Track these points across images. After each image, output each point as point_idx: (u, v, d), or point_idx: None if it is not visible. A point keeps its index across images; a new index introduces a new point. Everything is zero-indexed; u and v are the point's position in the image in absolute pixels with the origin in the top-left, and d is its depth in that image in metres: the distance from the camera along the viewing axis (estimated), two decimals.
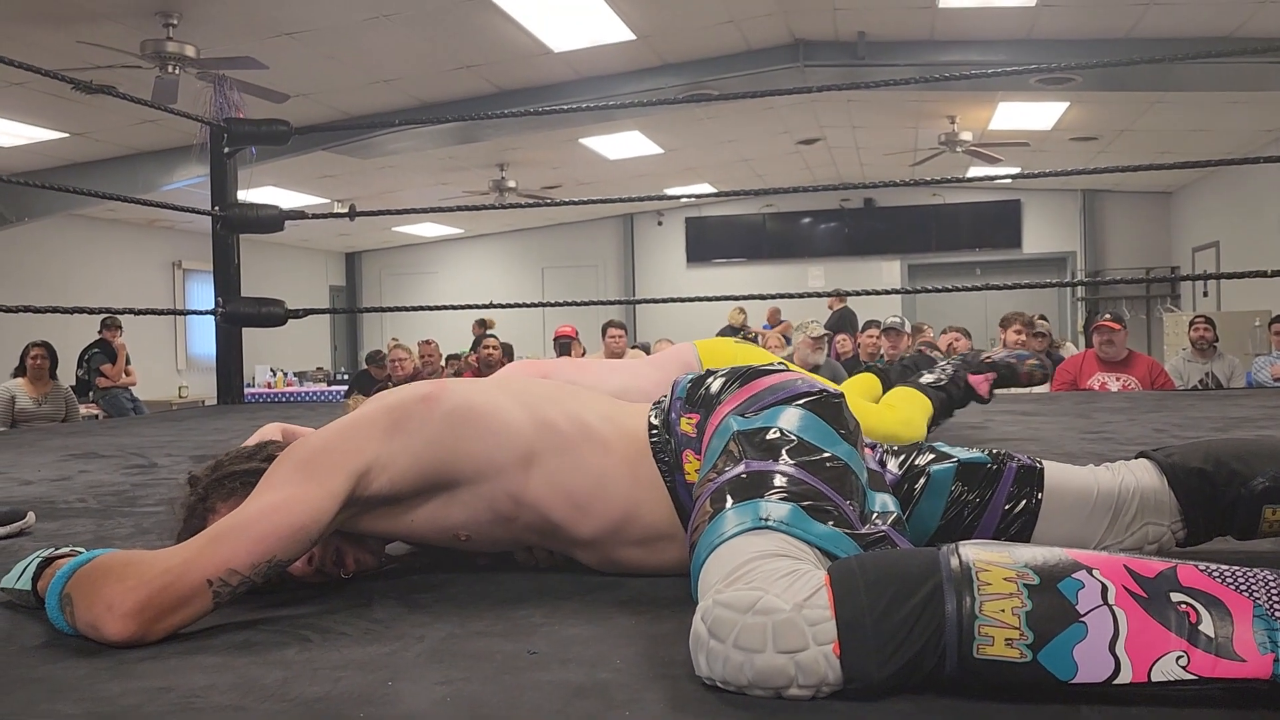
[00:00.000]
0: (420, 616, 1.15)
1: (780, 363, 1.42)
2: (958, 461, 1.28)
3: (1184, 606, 0.81)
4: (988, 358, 2.76)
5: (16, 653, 1.05)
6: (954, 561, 0.85)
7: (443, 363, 8.26)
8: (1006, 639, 0.80)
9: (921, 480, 1.28)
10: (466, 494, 1.23)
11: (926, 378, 2.66)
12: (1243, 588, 0.82)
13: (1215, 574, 0.83)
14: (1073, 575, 0.83)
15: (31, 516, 1.75)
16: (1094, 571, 0.83)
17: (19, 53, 3.66)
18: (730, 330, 10.73)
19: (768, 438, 1.11)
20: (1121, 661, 0.79)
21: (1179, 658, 0.78)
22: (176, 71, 6.23)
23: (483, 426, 1.23)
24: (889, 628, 0.82)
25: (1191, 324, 6.08)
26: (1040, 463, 1.29)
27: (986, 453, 1.30)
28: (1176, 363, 6.03)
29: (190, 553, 1.06)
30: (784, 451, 1.09)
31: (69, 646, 1.05)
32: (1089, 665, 0.79)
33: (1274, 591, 0.81)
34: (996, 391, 2.80)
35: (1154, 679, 0.78)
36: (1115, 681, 0.79)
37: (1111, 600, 0.81)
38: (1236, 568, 0.84)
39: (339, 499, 1.13)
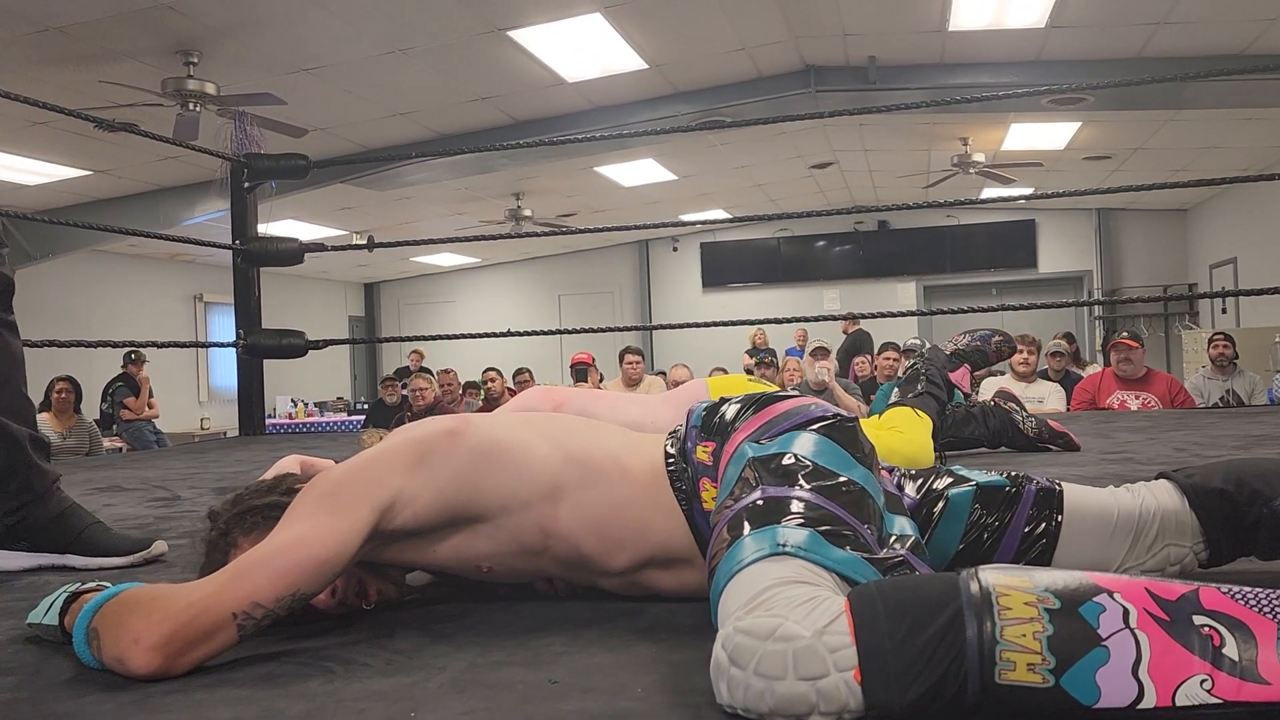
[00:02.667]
0: (442, 646, 1.16)
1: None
2: (976, 485, 1.28)
3: (1207, 629, 0.80)
4: (954, 349, 2.80)
5: (44, 688, 1.06)
6: (974, 586, 0.85)
7: (460, 391, 8.29)
8: (1028, 664, 0.80)
9: (940, 504, 1.27)
10: (491, 527, 1.24)
11: (910, 391, 2.67)
12: (1266, 610, 0.81)
13: (1238, 596, 0.83)
14: (1094, 599, 0.83)
15: (160, 545, 1.76)
16: (1115, 595, 0.83)
17: (43, 93, 3.73)
18: (754, 350, 10.76)
19: (783, 463, 1.11)
20: (1145, 686, 0.78)
21: (1203, 681, 0.78)
22: (197, 108, 6.32)
23: (507, 462, 1.24)
24: (910, 654, 0.82)
25: (1211, 341, 6.04)
26: (1059, 485, 1.28)
27: (1005, 475, 1.30)
28: (1196, 380, 5.99)
29: (215, 586, 1.07)
30: (800, 477, 1.09)
31: (96, 681, 1.06)
32: (1112, 690, 0.79)
33: None
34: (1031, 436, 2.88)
35: (1178, 703, 0.78)
36: (1139, 706, 0.78)
37: (1134, 624, 0.81)
38: (1260, 589, 0.84)
39: (363, 533, 1.14)
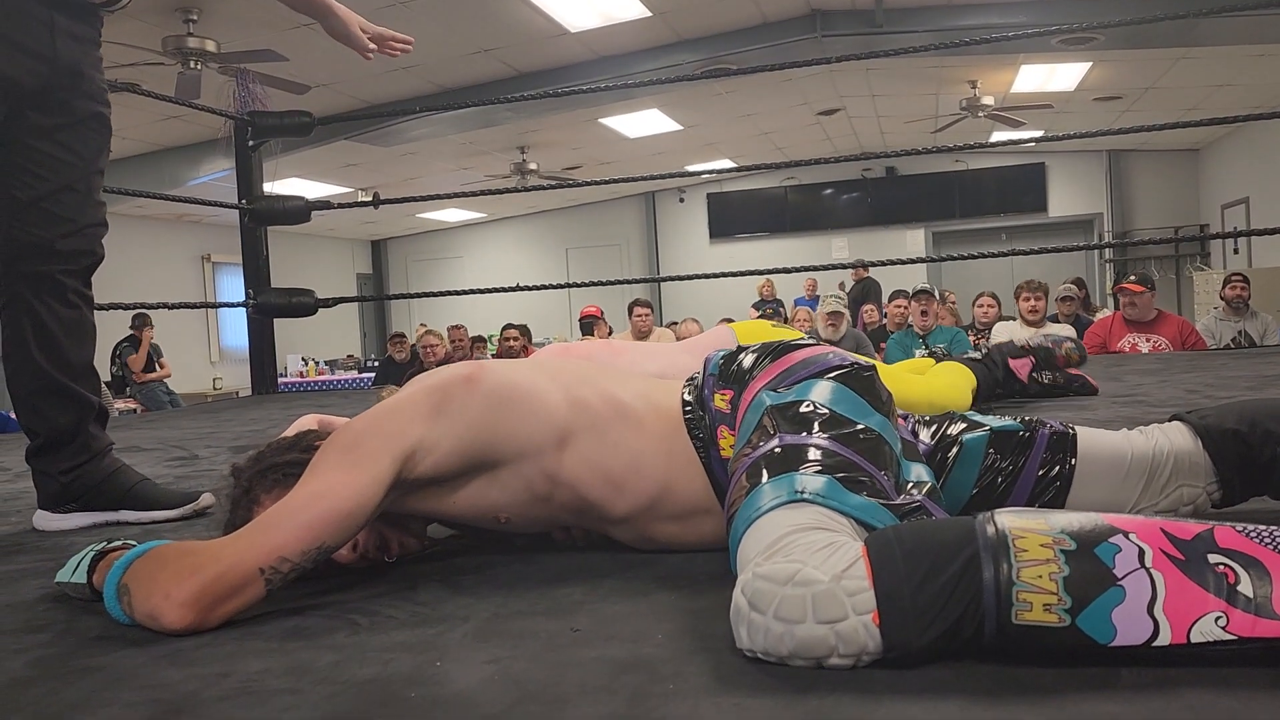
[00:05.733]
0: (464, 598, 1.17)
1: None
2: (990, 429, 1.29)
3: (1222, 568, 0.81)
4: (1025, 344, 2.79)
5: (76, 644, 1.08)
6: (990, 529, 0.86)
7: (470, 346, 8.32)
8: (1045, 604, 0.81)
9: (954, 449, 1.28)
10: (506, 474, 1.25)
11: (964, 356, 2.73)
12: None
13: (1253, 534, 0.83)
14: (1109, 540, 0.83)
15: (208, 497, 1.83)
16: (1130, 535, 0.84)
17: None
18: (760, 302, 10.75)
19: (800, 411, 1.12)
20: (1160, 624, 0.79)
21: (1218, 618, 0.79)
22: (198, 67, 6.28)
23: (523, 406, 1.25)
24: (927, 596, 0.84)
25: (1227, 282, 5.99)
26: (1073, 428, 1.29)
27: (1019, 420, 1.31)
28: (1208, 321, 5.96)
29: (242, 542, 1.09)
30: (817, 424, 1.09)
31: (126, 637, 1.08)
32: (1128, 628, 0.80)
33: None
34: (1046, 384, 2.83)
35: (1193, 640, 0.79)
36: (1155, 644, 0.79)
37: (1149, 563, 0.82)
38: (1275, 527, 0.84)
39: (385, 484, 1.15)
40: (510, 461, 1.24)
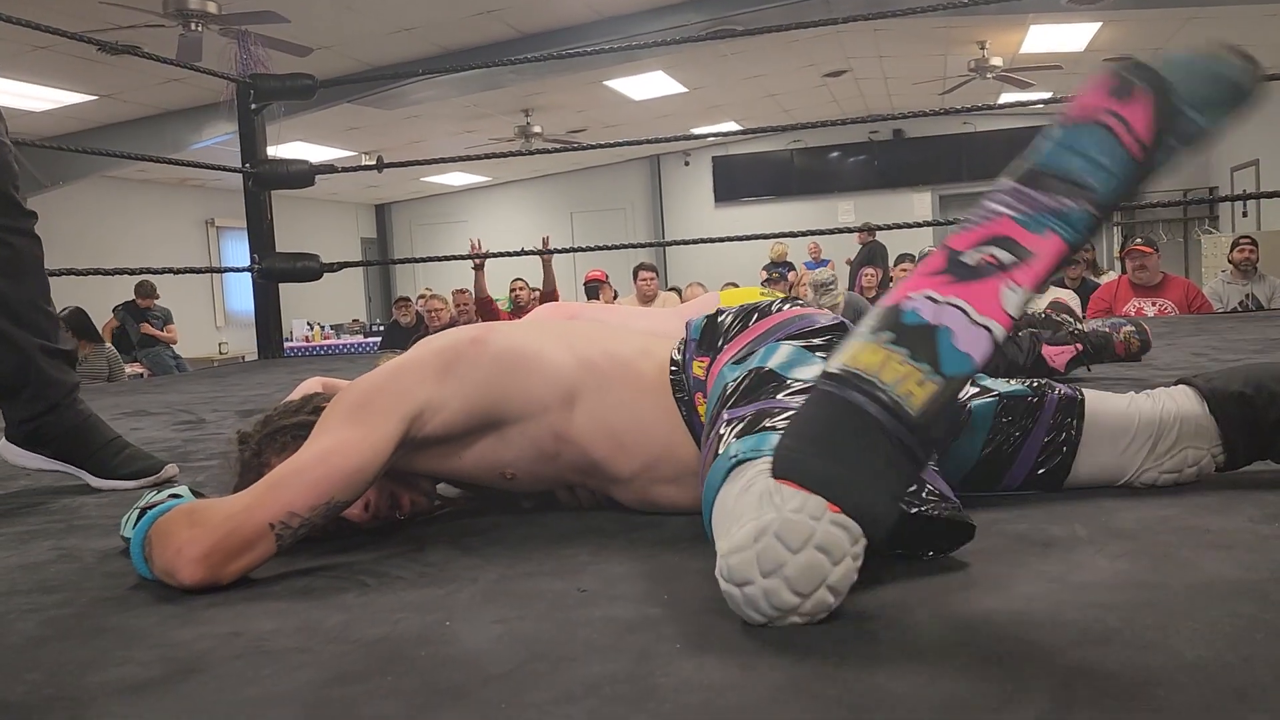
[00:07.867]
0: (472, 559, 1.18)
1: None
2: (999, 395, 1.29)
3: (981, 259, 0.91)
4: (1077, 328, 2.38)
5: (88, 604, 1.09)
6: (832, 381, 0.89)
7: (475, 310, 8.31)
8: (917, 381, 0.87)
9: (962, 415, 1.28)
10: (513, 433, 1.27)
11: None
12: (1000, 212, 0.93)
13: (974, 221, 0.93)
14: (902, 308, 0.90)
15: (172, 468, 1.84)
16: (911, 295, 0.91)
17: (42, 16, 3.68)
18: (771, 264, 10.70)
19: (753, 381, 1.13)
20: (988, 324, 0.88)
21: (1010, 287, 0.89)
22: (199, 29, 6.23)
23: (529, 367, 1.26)
24: (848, 461, 0.86)
25: (1236, 245, 5.96)
26: (1080, 392, 1.29)
27: (1027, 384, 1.31)
28: (1215, 285, 5.93)
29: (252, 499, 1.10)
30: (766, 391, 1.10)
31: (139, 597, 1.09)
32: (972, 345, 0.88)
33: (1027, 199, 0.92)
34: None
35: (1010, 312, 0.89)
36: (995, 339, 0.88)
37: (940, 298, 0.89)
38: (982, 207, 0.94)
39: (393, 441, 1.17)
40: (517, 421, 1.26)
